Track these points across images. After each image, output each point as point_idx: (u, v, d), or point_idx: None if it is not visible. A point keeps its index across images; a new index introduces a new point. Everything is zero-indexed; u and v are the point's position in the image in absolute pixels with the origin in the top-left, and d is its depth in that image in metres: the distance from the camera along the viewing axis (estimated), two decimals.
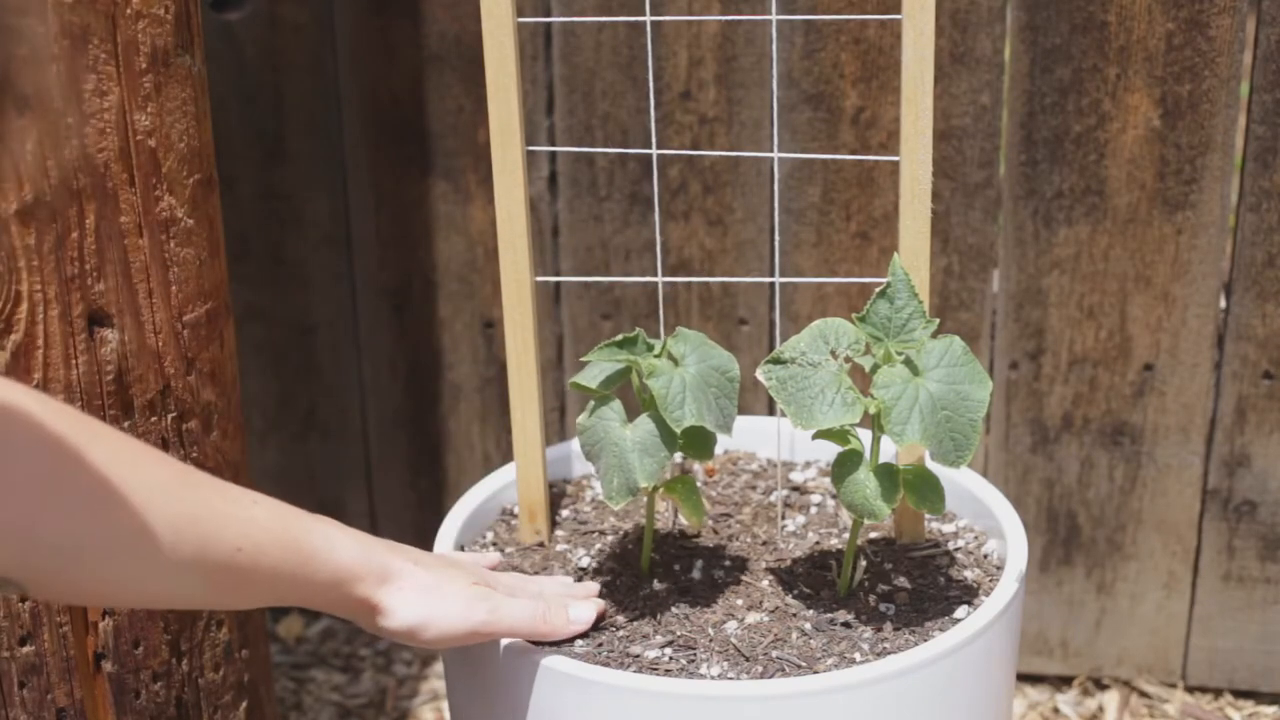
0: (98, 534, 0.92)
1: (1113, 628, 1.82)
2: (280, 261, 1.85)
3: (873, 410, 1.16)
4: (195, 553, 0.97)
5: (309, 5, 1.74)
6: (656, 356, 1.21)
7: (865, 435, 1.24)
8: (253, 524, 1.01)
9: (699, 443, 1.24)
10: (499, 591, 1.16)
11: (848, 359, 1.18)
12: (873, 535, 1.36)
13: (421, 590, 1.12)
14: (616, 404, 1.21)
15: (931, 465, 1.26)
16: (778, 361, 1.18)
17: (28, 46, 1.11)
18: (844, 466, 1.20)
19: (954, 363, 1.17)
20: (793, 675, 1.16)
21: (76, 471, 0.90)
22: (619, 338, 1.21)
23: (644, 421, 1.20)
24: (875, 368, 1.18)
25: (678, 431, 1.18)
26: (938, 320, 1.20)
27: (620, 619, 1.24)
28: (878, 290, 1.19)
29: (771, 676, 1.17)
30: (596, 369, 1.23)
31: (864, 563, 1.30)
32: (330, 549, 1.07)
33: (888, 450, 1.29)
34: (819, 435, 1.22)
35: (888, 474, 1.19)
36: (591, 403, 1.22)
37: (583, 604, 1.21)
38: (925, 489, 1.22)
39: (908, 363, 1.17)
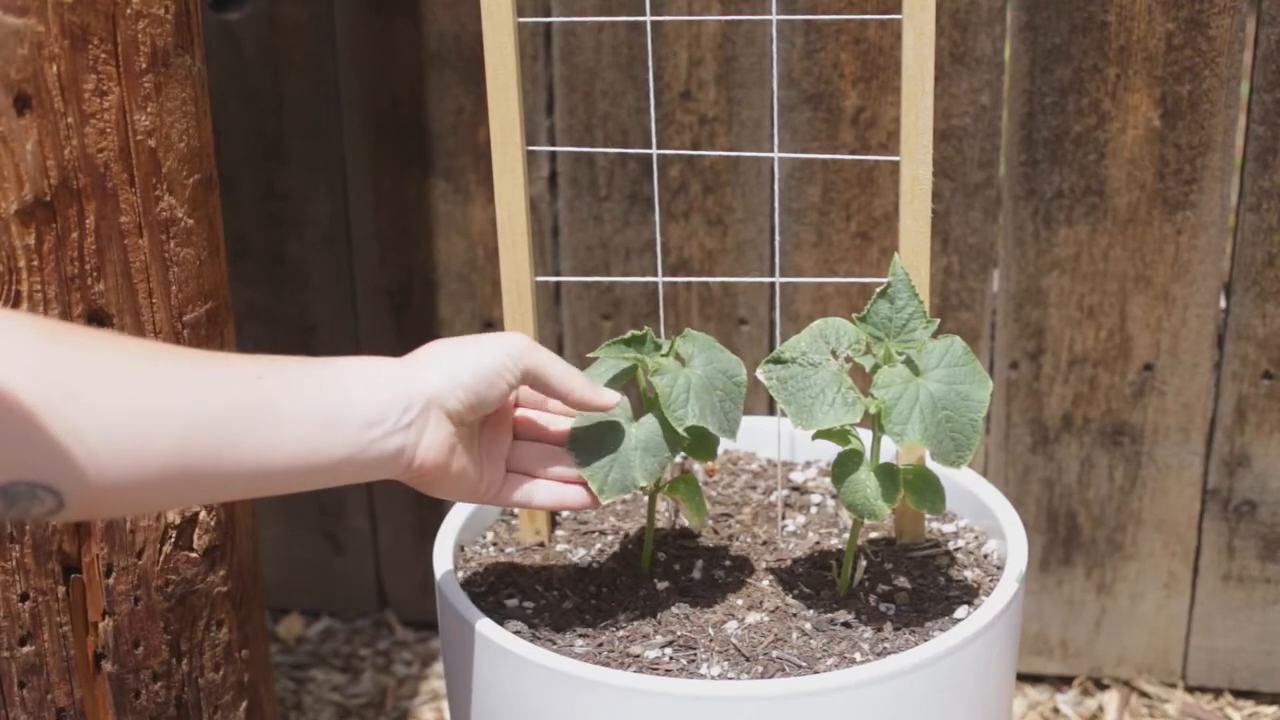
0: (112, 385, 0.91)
1: (1113, 628, 1.82)
2: (280, 261, 1.85)
3: (873, 410, 1.16)
4: (217, 383, 0.97)
5: (309, 5, 1.74)
6: (664, 356, 1.21)
7: (865, 435, 1.24)
8: (267, 359, 1.01)
9: (702, 443, 1.24)
10: None
11: (848, 359, 1.18)
12: (873, 535, 1.36)
13: (452, 343, 1.11)
14: (624, 401, 1.21)
15: (931, 465, 1.26)
16: (778, 361, 1.18)
17: (28, 46, 1.11)
18: (844, 467, 1.20)
19: (954, 363, 1.17)
20: (793, 675, 1.16)
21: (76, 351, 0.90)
22: (627, 335, 1.21)
23: (649, 420, 1.20)
24: (876, 368, 1.18)
25: (680, 431, 1.18)
26: (938, 320, 1.20)
27: (620, 619, 1.24)
28: (878, 290, 1.19)
29: (771, 676, 1.17)
30: (603, 366, 1.22)
31: (864, 563, 1.30)
32: (350, 361, 1.06)
33: (887, 450, 1.29)
34: (819, 435, 1.22)
35: (888, 474, 1.19)
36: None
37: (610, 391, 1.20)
38: (925, 489, 1.22)
39: (908, 363, 1.17)
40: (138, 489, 0.94)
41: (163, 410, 0.94)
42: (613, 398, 1.18)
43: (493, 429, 1.19)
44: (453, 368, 1.10)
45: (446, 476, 1.12)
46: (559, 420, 1.23)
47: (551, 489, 1.21)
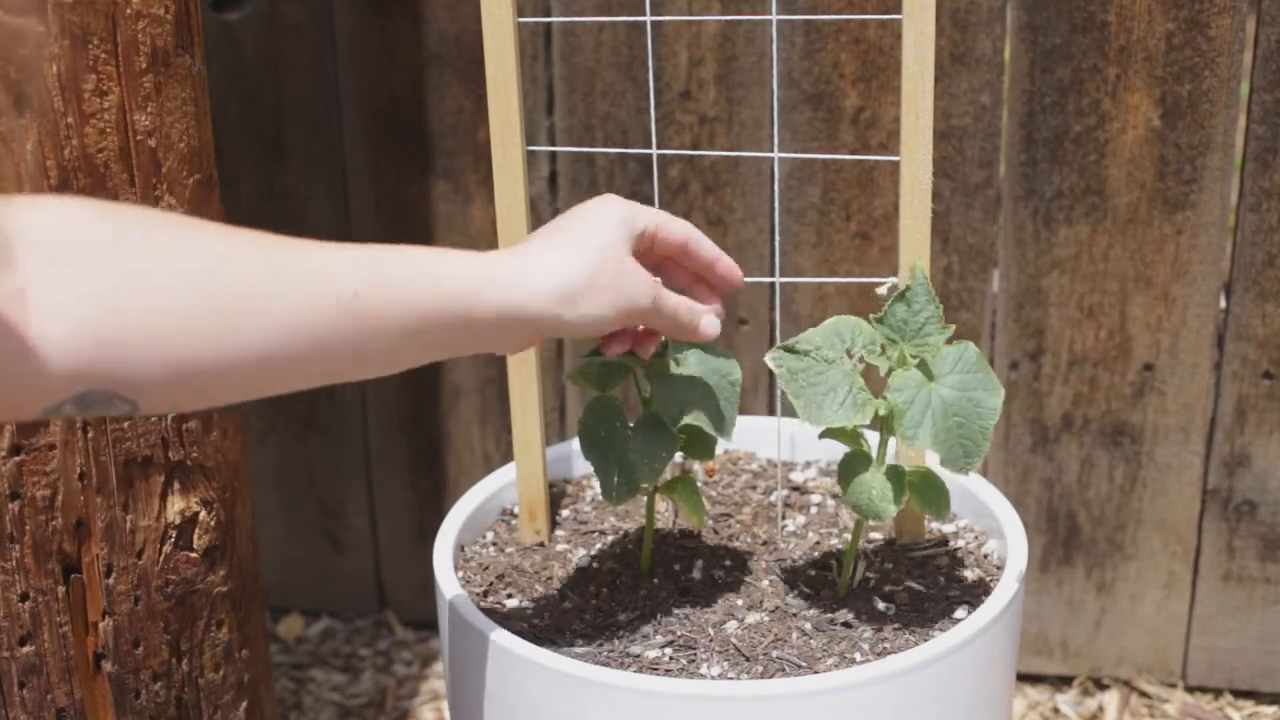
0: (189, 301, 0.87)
1: (1113, 628, 1.82)
2: None
3: (883, 412, 1.16)
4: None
5: (309, 5, 1.74)
6: (659, 356, 1.21)
7: (871, 436, 1.24)
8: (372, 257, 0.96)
9: (700, 443, 1.24)
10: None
11: (862, 359, 1.18)
12: (873, 535, 1.36)
13: (570, 242, 1.06)
14: (618, 402, 1.21)
15: (935, 468, 1.26)
16: (791, 351, 1.17)
17: (28, 46, 1.11)
18: (851, 467, 1.20)
19: (968, 369, 1.17)
20: (793, 675, 1.16)
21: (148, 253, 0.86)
22: None
23: (645, 422, 1.20)
24: (890, 370, 1.18)
25: (674, 430, 1.18)
26: (953, 326, 1.20)
27: (620, 619, 1.24)
28: (895, 293, 1.19)
29: (771, 676, 1.17)
30: (597, 367, 1.22)
31: (864, 563, 1.30)
32: (444, 255, 1.01)
33: (891, 451, 1.29)
34: (826, 434, 1.22)
35: (895, 476, 1.19)
36: (591, 400, 1.22)
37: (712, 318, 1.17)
38: (931, 492, 1.22)
39: (922, 366, 1.17)
40: (213, 386, 0.90)
41: (243, 321, 0.90)
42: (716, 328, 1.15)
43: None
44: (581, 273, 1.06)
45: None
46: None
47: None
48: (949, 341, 1.19)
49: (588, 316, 1.06)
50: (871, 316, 1.19)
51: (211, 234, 0.92)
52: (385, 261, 0.98)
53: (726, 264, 1.18)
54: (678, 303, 1.13)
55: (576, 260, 1.06)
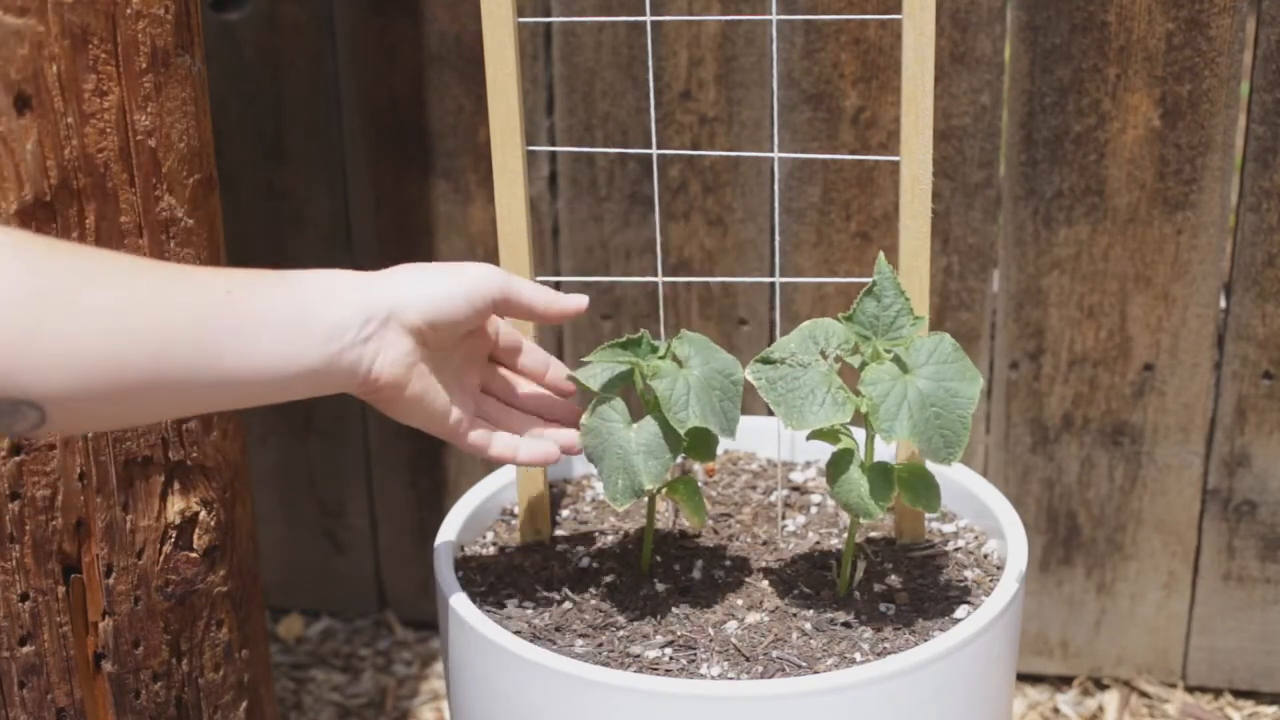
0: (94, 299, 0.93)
1: (1113, 628, 1.82)
2: (280, 261, 1.85)
3: (863, 408, 1.16)
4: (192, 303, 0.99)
5: (309, 5, 1.74)
6: (660, 358, 1.21)
7: (859, 434, 1.24)
8: (235, 272, 1.03)
9: (702, 444, 1.24)
10: None
11: (838, 359, 1.18)
12: (873, 535, 1.36)
13: (411, 270, 1.12)
14: (620, 404, 1.21)
15: (929, 463, 1.26)
16: (767, 362, 1.18)
17: (28, 46, 1.11)
18: (838, 466, 1.20)
19: (943, 360, 1.17)
20: (793, 675, 1.16)
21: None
22: (623, 339, 1.21)
23: (648, 423, 1.20)
24: (864, 366, 1.18)
25: (681, 433, 1.18)
26: (925, 317, 1.20)
27: (620, 619, 1.24)
28: (864, 289, 1.20)
29: (771, 676, 1.17)
30: (599, 369, 1.22)
31: (864, 563, 1.30)
32: (313, 273, 1.07)
33: (886, 450, 1.29)
34: (812, 436, 1.22)
35: (881, 472, 1.19)
36: (593, 403, 1.21)
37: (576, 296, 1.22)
38: (920, 487, 1.22)
39: (896, 360, 1.17)
40: (116, 400, 0.96)
41: (138, 322, 0.95)
42: (579, 301, 1.19)
43: (465, 363, 1.19)
44: (415, 281, 1.11)
45: (402, 397, 1.12)
46: (525, 383, 1.24)
47: (526, 447, 1.21)
48: (943, 332, 1.19)
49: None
50: (841, 315, 1.19)
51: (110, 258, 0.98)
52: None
53: (556, 370, 1.25)
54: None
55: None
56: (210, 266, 1.05)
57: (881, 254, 1.22)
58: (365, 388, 1.09)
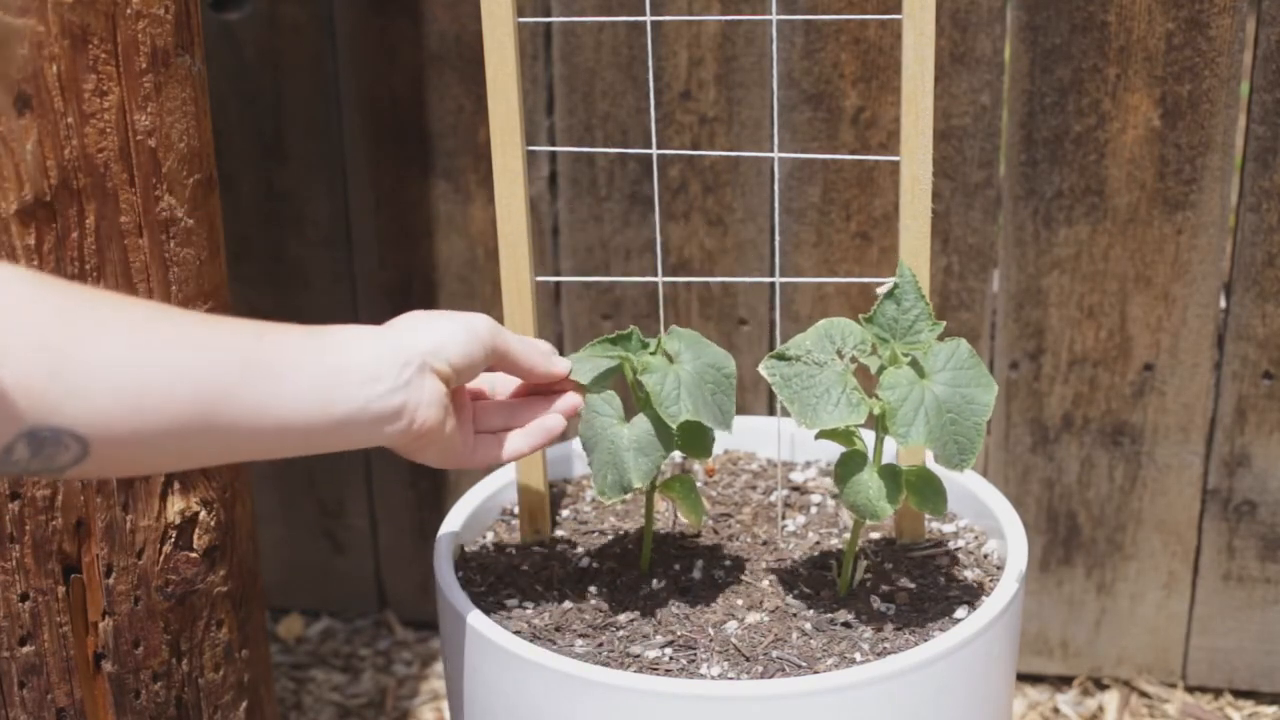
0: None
1: (1113, 628, 1.82)
2: (280, 261, 1.85)
3: (877, 411, 1.16)
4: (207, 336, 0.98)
5: (309, 5, 1.75)
6: (651, 354, 1.21)
7: (867, 435, 1.24)
8: (264, 322, 1.03)
9: (697, 441, 1.24)
10: None
11: (853, 359, 1.18)
12: (873, 535, 1.36)
13: (423, 316, 1.12)
14: (613, 398, 1.21)
15: (933, 466, 1.26)
16: (782, 358, 1.17)
17: (28, 46, 1.11)
18: (847, 467, 1.20)
19: (960, 365, 1.17)
20: (793, 675, 1.16)
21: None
22: (613, 334, 1.21)
23: (640, 420, 1.20)
24: (882, 369, 1.18)
25: (673, 427, 1.18)
26: (944, 323, 1.20)
27: (620, 619, 1.24)
28: (884, 291, 1.19)
29: (771, 676, 1.17)
30: (589, 364, 1.22)
31: (864, 563, 1.30)
32: (341, 327, 1.08)
33: (889, 450, 1.29)
34: (822, 435, 1.22)
35: (891, 475, 1.19)
36: (588, 397, 1.21)
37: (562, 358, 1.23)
38: (928, 490, 1.22)
39: (914, 364, 1.17)
40: (152, 442, 0.94)
41: (173, 362, 0.94)
42: (563, 365, 1.20)
43: (458, 395, 1.20)
44: (436, 329, 1.11)
45: (440, 438, 1.12)
46: (505, 379, 1.24)
47: (528, 433, 1.21)
48: (940, 338, 1.19)
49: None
50: (861, 316, 1.19)
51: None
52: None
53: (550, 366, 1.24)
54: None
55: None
56: (238, 319, 1.05)
57: (903, 260, 1.21)
58: (408, 435, 1.09)
